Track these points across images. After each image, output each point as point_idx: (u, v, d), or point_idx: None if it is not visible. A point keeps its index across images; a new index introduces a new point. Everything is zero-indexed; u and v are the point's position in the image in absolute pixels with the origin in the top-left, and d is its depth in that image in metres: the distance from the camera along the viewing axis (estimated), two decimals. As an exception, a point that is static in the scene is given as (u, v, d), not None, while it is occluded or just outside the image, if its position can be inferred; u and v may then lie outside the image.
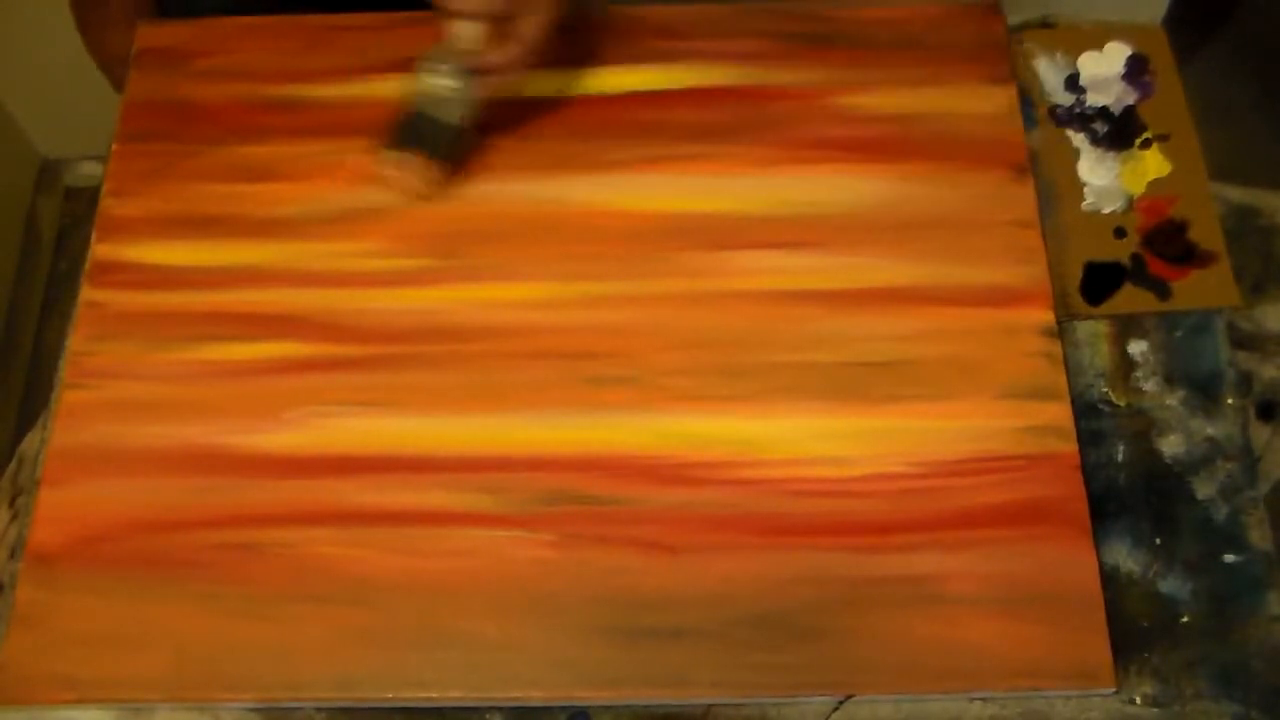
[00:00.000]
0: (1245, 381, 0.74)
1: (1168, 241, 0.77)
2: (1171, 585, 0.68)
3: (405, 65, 0.84)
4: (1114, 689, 0.64)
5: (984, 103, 0.81)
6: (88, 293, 0.78)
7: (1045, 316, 0.74)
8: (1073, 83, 0.83)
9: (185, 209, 0.80)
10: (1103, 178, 0.79)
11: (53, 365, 0.76)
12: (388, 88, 0.84)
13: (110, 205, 0.81)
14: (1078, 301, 0.76)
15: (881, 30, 0.84)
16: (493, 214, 0.79)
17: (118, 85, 0.94)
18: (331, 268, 0.78)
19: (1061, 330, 0.74)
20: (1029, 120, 0.81)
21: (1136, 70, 0.83)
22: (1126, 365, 0.74)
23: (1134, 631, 0.67)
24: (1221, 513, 0.70)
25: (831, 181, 0.79)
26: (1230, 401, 0.73)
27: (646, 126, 0.82)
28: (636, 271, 0.77)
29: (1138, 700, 0.65)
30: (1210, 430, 0.72)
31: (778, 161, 0.80)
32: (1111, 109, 0.82)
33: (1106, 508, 0.70)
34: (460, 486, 0.71)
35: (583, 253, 0.77)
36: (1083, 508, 0.68)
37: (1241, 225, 0.79)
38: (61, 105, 1.03)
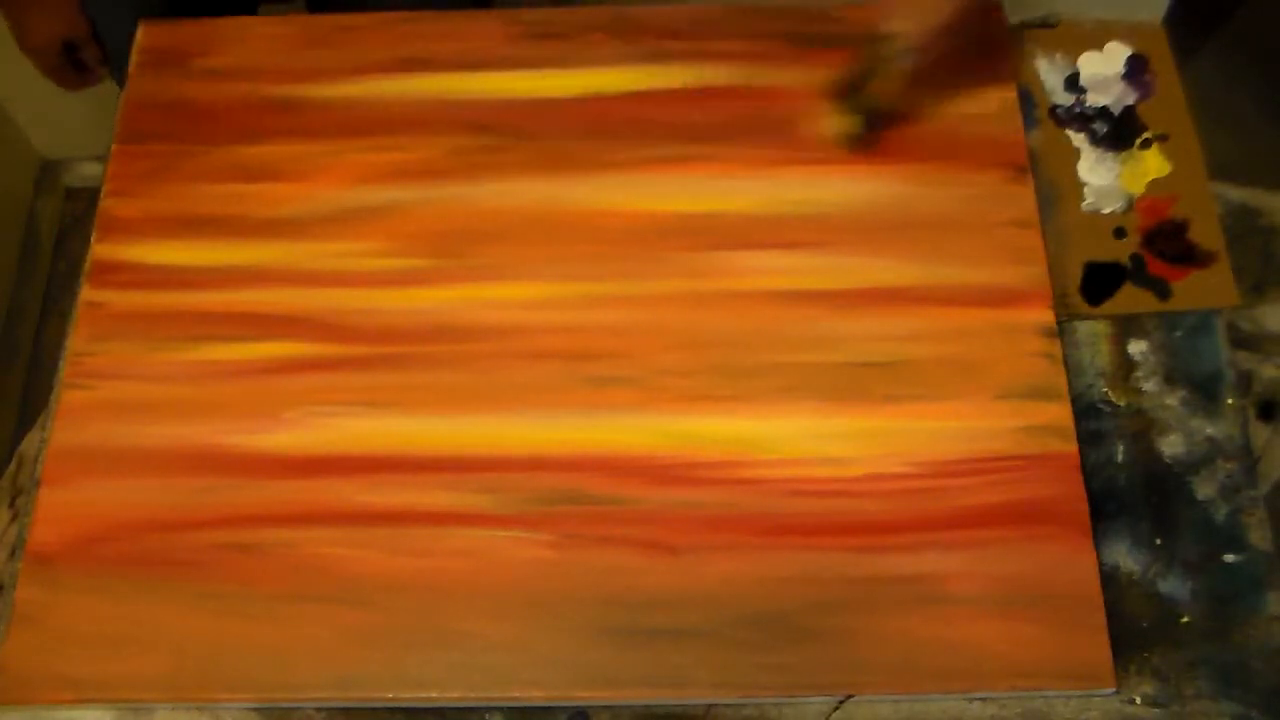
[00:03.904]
0: (1245, 381, 0.74)
1: (1168, 241, 0.77)
2: (1171, 585, 0.68)
3: (406, 65, 0.85)
4: (1114, 689, 0.64)
5: (984, 103, 0.81)
6: (88, 293, 0.78)
7: (1045, 316, 0.74)
8: (1073, 83, 0.83)
9: (185, 209, 0.80)
10: (1103, 178, 0.79)
11: (53, 365, 0.76)
12: (388, 88, 0.84)
13: (110, 205, 0.81)
14: (1078, 301, 0.76)
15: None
16: (493, 214, 0.79)
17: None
18: (331, 268, 0.78)
19: (1061, 330, 0.74)
20: (1029, 120, 0.81)
21: (1136, 70, 0.83)
22: (1126, 365, 0.74)
23: (1134, 631, 0.67)
24: (1221, 513, 0.70)
25: (831, 181, 0.79)
26: (1230, 401, 0.73)
27: (646, 126, 0.82)
28: (636, 271, 0.77)
29: (1138, 700, 0.65)
30: (1210, 430, 0.72)
31: (778, 161, 0.80)
32: (1111, 109, 0.82)
33: (1106, 508, 0.70)
34: (460, 486, 0.71)
35: (583, 253, 0.77)
36: (1083, 508, 0.68)
37: (1241, 225, 0.79)
38: (61, 106, 1.03)
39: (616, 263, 0.77)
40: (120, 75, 0.99)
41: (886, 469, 0.70)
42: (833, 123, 0.79)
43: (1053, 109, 0.82)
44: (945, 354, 0.73)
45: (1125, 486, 0.71)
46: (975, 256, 0.76)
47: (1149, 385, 0.74)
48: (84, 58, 0.98)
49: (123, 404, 0.74)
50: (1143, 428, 0.72)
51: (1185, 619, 0.67)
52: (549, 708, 0.66)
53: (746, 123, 0.81)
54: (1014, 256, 0.76)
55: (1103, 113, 0.82)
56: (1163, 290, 0.76)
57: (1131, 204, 0.78)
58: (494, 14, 0.87)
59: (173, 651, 0.67)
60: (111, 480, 0.72)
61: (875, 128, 0.79)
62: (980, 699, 0.65)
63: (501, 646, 0.66)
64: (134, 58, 0.86)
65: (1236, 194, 0.81)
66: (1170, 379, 0.74)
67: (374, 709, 0.67)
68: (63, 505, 0.71)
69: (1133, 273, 0.76)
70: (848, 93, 0.78)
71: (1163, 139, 0.80)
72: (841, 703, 0.65)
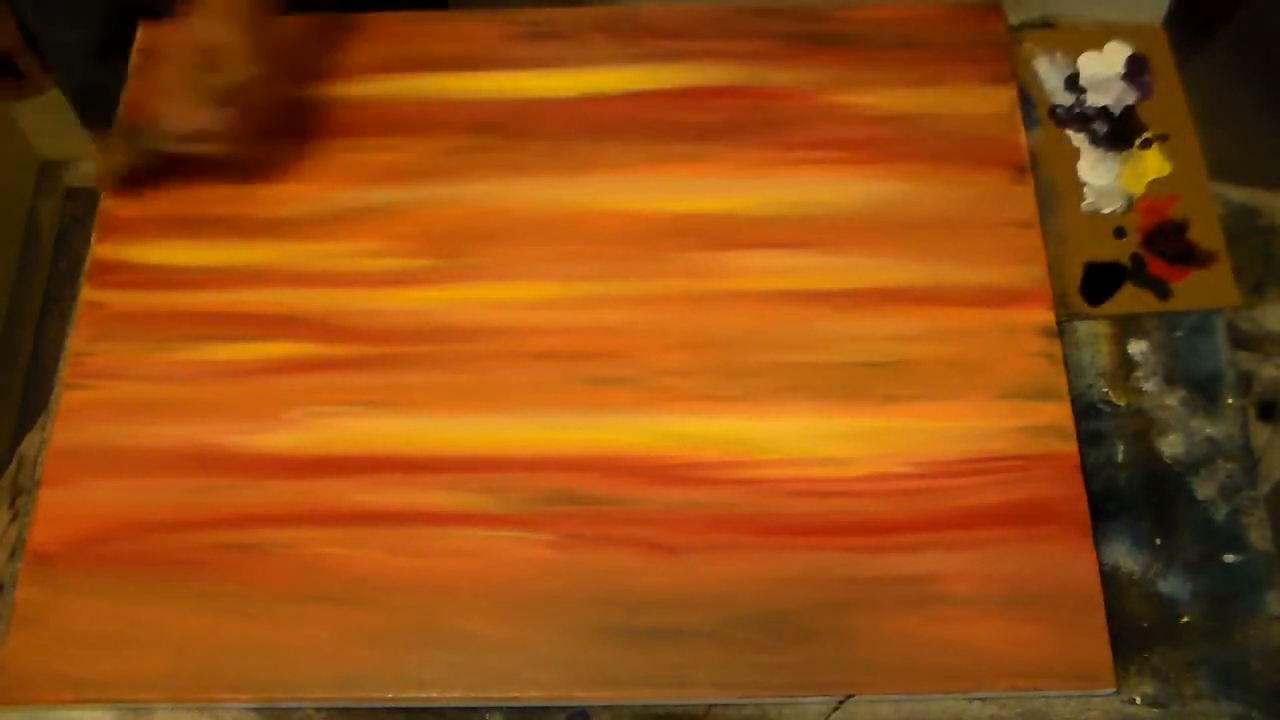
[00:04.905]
0: (1245, 381, 0.74)
1: (1168, 241, 0.77)
2: (1171, 585, 0.68)
3: (405, 65, 0.85)
4: (1114, 689, 0.64)
5: (984, 103, 0.81)
6: (88, 293, 0.78)
7: (1045, 316, 0.74)
8: (1073, 83, 0.83)
9: (185, 209, 0.80)
10: (1103, 178, 0.79)
11: (53, 365, 0.76)
12: (388, 88, 0.84)
13: (110, 205, 0.81)
14: (1078, 301, 0.76)
15: (881, 30, 0.84)
16: (493, 214, 0.79)
17: None
18: (331, 268, 0.78)
19: (1061, 330, 0.74)
20: (1029, 120, 0.81)
21: (1136, 70, 0.83)
22: (1126, 365, 0.74)
23: (1134, 631, 0.67)
24: (1221, 513, 0.70)
25: (831, 181, 0.79)
26: (1230, 401, 0.73)
27: (646, 126, 0.82)
28: (636, 271, 0.77)
29: (1138, 700, 0.65)
30: (1210, 430, 0.72)
31: (778, 162, 0.80)
32: (1111, 109, 0.82)
33: (1106, 508, 0.70)
34: (460, 486, 0.71)
35: (583, 253, 0.77)
36: (1083, 508, 0.68)
37: (1241, 225, 0.79)
38: (61, 105, 1.03)
39: (616, 263, 0.77)
40: (65, 82, 0.98)
41: (886, 469, 0.70)
42: (105, 155, 0.80)
43: (1053, 109, 0.82)
44: (945, 354, 0.73)
45: (1125, 486, 0.71)
46: (975, 256, 0.76)
47: (1149, 385, 0.74)
48: (21, 67, 0.97)
49: (123, 404, 0.74)
50: (1143, 428, 0.72)
51: (1185, 619, 0.67)
52: (549, 708, 0.66)
53: (746, 123, 0.81)
54: (1014, 256, 0.76)
55: (1103, 113, 0.82)
56: (1163, 290, 0.76)
57: (1131, 204, 0.79)
58: (493, 14, 0.87)
59: (173, 651, 0.67)
60: (111, 480, 0.72)
61: (132, 176, 0.80)
62: (980, 699, 0.65)
63: (501, 646, 0.66)
64: (133, 58, 0.86)
65: (1236, 194, 0.81)
66: (1170, 379, 0.74)
67: (374, 709, 0.67)
68: (63, 505, 0.71)
69: (1133, 273, 0.76)
70: (127, 136, 0.80)
71: (1163, 139, 0.80)
72: (841, 703, 0.65)
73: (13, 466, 0.76)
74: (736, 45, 0.84)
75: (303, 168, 0.81)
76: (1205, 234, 0.77)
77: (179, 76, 0.75)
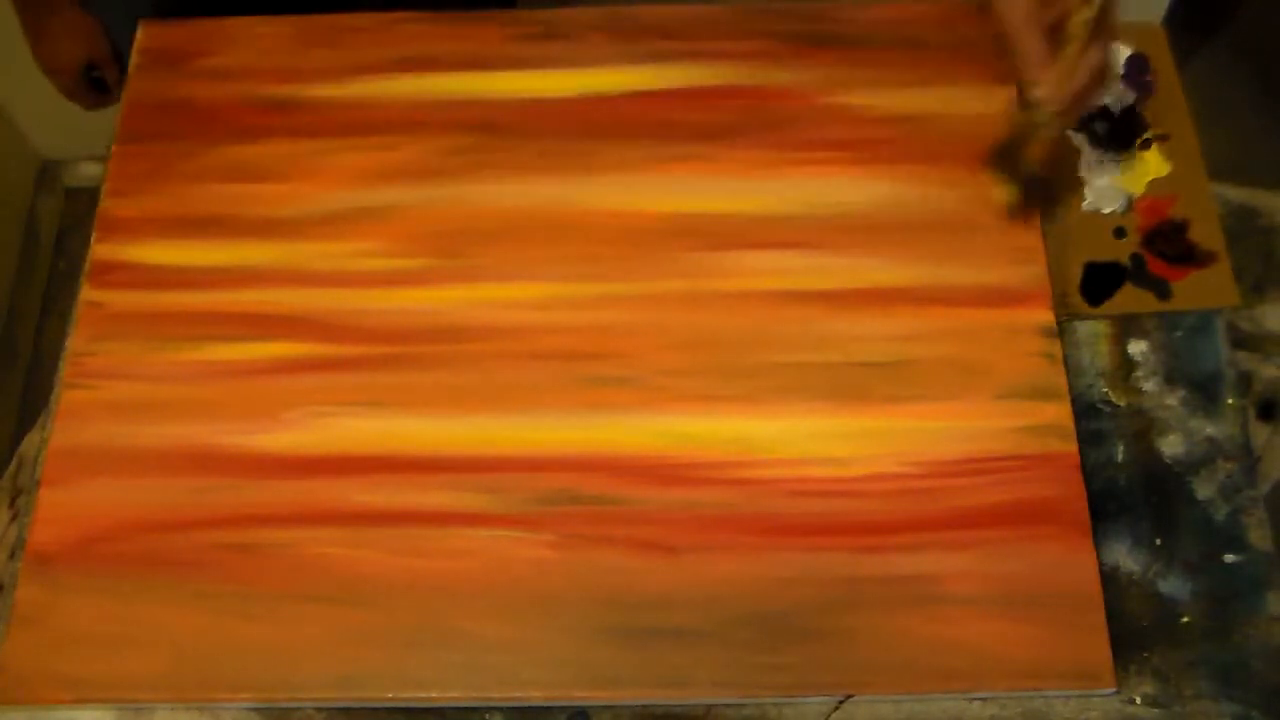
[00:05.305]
0: (1245, 381, 0.74)
1: (1168, 241, 0.77)
2: (1171, 585, 0.68)
3: (405, 65, 0.85)
4: (1114, 689, 0.64)
5: (984, 103, 0.81)
6: (88, 293, 0.78)
7: (1045, 316, 0.74)
8: (1073, 82, 0.83)
9: (185, 209, 0.80)
10: (1103, 178, 0.79)
11: (53, 365, 0.76)
12: (387, 88, 0.84)
13: (110, 205, 0.81)
14: (1078, 301, 0.76)
15: (881, 30, 0.84)
16: (493, 214, 0.79)
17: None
18: (331, 268, 0.78)
19: (1061, 330, 0.74)
20: (1029, 120, 0.81)
21: (1136, 70, 0.83)
22: (1126, 365, 0.74)
23: (1134, 631, 0.67)
24: (1221, 513, 0.70)
25: (831, 181, 0.79)
26: (1230, 401, 0.73)
27: (646, 126, 0.82)
28: (636, 271, 0.77)
29: (1138, 700, 0.65)
30: (1210, 430, 0.72)
31: (778, 162, 0.80)
32: (1111, 109, 0.82)
33: (1106, 508, 0.70)
34: (460, 486, 0.71)
35: (583, 253, 0.77)
36: (1083, 508, 0.68)
37: (1241, 225, 0.79)
38: (61, 106, 1.03)
39: (616, 263, 0.77)
40: None
41: (886, 469, 0.70)
42: (998, 193, 0.75)
43: (1053, 109, 0.82)
44: (945, 354, 0.73)
45: (1125, 486, 0.71)
46: (975, 256, 0.76)
47: (1149, 385, 0.74)
48: (103, 77, 0.98)
49: (123, 404, 0.74)
50: (1143, 428, 0.72)
51: (1185, 619, 0.67)
52: (549, 708, 0.66)
53: (746, 123, 0.81)
54: (1014, 256, 0.76)
55: (1103, 113, 0.82)
56: (1163, 290, 0.76)
57: (1131, 204, 0.79)
58: (493, 14, 0.87)
59: (172, 651, 0.67)
60: (111, 480, 0.72)
61: (1036, 196, 0.75)
62: (980, 699, 0.65)
63: (501, 646, 0.66)
64: (134, 58, 0.86)
65: (1236, 194, 0.81)
66: (1170, 379, 0.74)
67: (374, 709, 0.67)
68: (63, 505, 0.71)
69: (1133, 273, 0.76)
70: (999, 162, 0.74)
71: (1163, 139, 0.80)
72: (841, 703, 0.66)
73: (13, 466, 0.76)
74: (736, 45, 0.84)
75: (303, 168, 0.81)
76: (1205, 234, 0.77)
77: (1037, 41, 0.66)
